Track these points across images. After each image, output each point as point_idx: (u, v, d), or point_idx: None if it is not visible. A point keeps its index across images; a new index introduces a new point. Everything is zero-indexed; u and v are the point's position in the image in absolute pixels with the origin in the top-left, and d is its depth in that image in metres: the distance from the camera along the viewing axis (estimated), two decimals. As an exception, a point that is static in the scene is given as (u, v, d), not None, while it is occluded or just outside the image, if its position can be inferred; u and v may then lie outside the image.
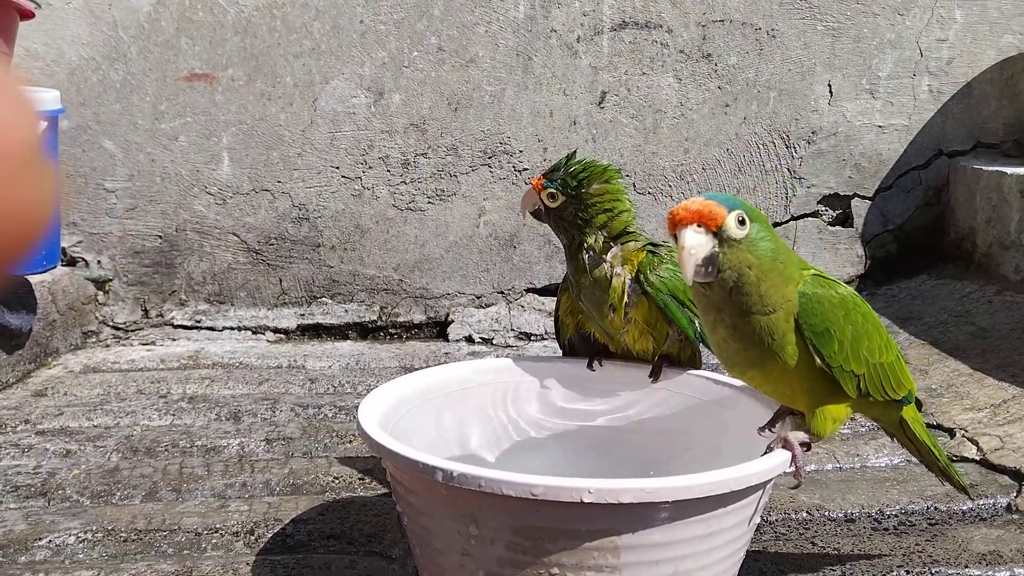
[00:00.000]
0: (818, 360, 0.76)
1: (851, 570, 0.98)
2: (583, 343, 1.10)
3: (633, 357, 1.05)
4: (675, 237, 0.73)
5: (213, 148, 1.95)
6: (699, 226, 0.71)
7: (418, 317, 2.01)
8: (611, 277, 1.00)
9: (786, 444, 0.77)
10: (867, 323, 0.79)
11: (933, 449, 0.91)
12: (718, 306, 0.75)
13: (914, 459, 0.98)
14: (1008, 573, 0.98)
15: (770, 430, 0.83)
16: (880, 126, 2.08)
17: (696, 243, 0.71)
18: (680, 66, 2.03)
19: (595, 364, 1.07)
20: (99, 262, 1.96)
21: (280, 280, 1.99)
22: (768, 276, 0.74)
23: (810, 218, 2.09)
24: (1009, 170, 1.87)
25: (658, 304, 0.99)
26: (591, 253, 1.01)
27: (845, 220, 2.10)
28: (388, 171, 1.99)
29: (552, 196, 1.02)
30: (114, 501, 1.15)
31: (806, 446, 0.77)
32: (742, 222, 0.73)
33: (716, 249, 0.72)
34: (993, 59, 2.08)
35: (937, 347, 1.68)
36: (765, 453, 0.76)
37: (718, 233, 0.72)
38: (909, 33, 2.06)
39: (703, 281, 0.73)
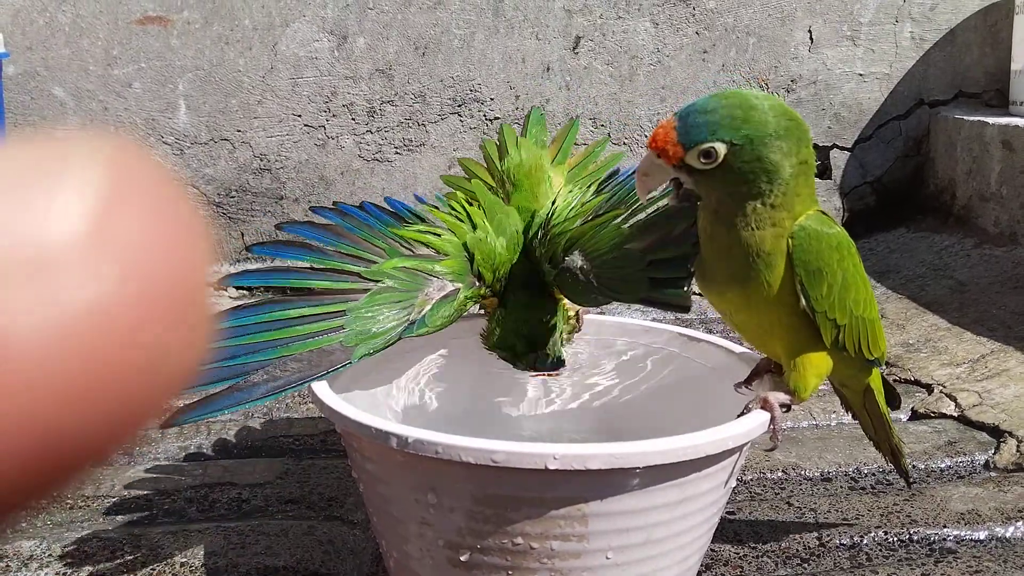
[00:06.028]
0: (803, 301, 0.71)
1: (828, 533, 0.95)
2: None
3: None
4: None
5: (169, 95, 1.86)
6: None
7: (386, 272, 1.94)
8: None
9: (765, 404, 0.72)
10: (856, 273, 0.74)
11: (889, 425, 0.87)
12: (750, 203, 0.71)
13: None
14: (986, 532, 0.96)
15: (747, 387, 0.79)
16: (861, 74, 2.03)
17: None
18: (657, 10, 1.95)
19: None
20: (52, 215, 1.87)
21: (242, 234, 1.91)
22: None
23: (788, 169, 2.04)
24: (991, 120, 1.83)
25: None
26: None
27: (823, 172, 2.06)
28: (353, 119, 1.91)
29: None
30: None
31: (786, 407, 0.73)
32: None
33: None
34: (977, 5, 2.02)
35: (915, 301, 1.65)
36: (742, 414, 0.72)
37: None
38: (892, -23, 1.99)
39: None
